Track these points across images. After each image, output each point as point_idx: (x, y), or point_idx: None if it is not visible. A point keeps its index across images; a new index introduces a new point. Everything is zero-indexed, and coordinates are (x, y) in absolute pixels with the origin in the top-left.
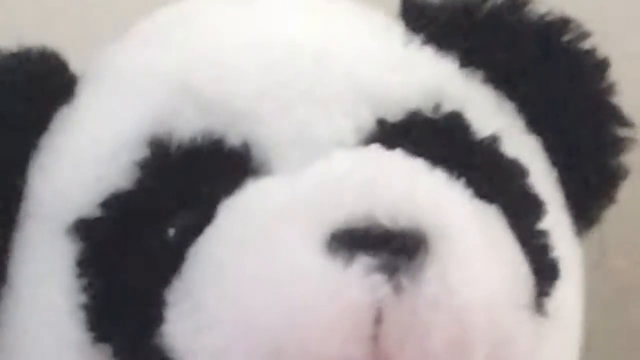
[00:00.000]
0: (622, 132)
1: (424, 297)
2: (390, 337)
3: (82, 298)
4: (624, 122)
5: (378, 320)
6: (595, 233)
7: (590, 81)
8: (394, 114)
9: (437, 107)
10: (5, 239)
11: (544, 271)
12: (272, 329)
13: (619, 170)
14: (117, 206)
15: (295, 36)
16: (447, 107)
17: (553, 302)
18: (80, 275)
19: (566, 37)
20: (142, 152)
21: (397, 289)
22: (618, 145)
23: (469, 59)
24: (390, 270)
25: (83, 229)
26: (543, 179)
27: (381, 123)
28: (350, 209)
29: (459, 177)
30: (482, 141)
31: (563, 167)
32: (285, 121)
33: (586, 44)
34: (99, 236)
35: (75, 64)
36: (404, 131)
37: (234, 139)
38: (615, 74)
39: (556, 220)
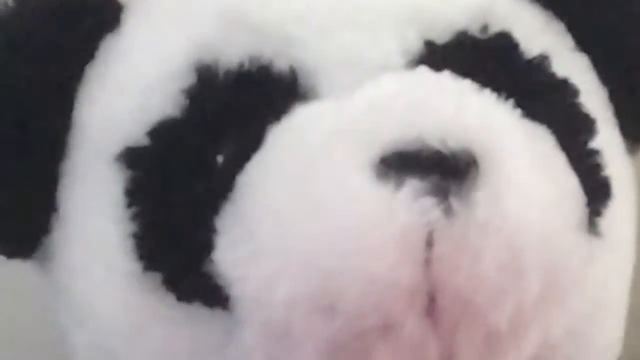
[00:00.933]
0: None
1: (475, 220)
2: (441, 260)
3: (131, 227)
4: None
5: (429, 243)
6: None
7: None
8: (442, 36)
9: (485, 28)
10: (55, 168)
11: (596, 191)
12: (323, 255)
13: None
14: (165, 134)
15: None
16: (495, 27)
17: (606, 221)
18: (129, 204)
19: None
20: (189, 79)
21: (448, 212)
22: None
23: None
24: (441, 193)
25: (131, 157)
26: (593, 98)
27: (428, 45)
28: (399, 132)
29: (508, 97)
30: (531, 61)
31: (613, 85)
32: (332, 45)
33: None
34: (147, 164)
35: None
36: (451, 52)
37: (281, 64)
38: None
39: (607, 139)
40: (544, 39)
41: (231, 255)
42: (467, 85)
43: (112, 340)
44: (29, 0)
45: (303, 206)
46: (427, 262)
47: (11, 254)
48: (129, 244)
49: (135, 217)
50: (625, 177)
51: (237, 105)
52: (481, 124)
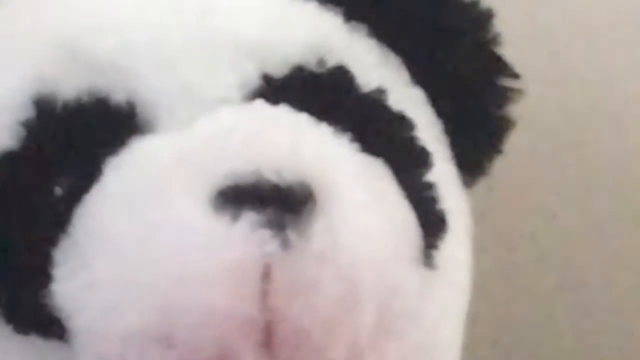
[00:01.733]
0: (507, 82)
1: (312, 253)
2: (278, 293)
3: None
4: (508, 72)
5: (266, 276)
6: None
7: (474, 32)
8: (279, 69)
9: (321, 62)
10: None
11: (432, 224)
12: (160, 288)
13: (504, 121)
14: (2, 166)
15: None
16: (332, 61)
17: (441, 254)
18: None
19: None
20: (27, 112)
21: (285, 244)
22: (503, 96)
23: (352, 13)
24: (277, 226)
25: None
26: (429, 131)
27: (266, 78)
28: (235, 165)
29: (344, 131)
30: (367, 94)
31: (449, 119)
32: (169, 78)
33: None
34: None
35: None
36: (288, 86)
37: (118, 97)
38: None
39: (443, 172)
40: (380, 72)
41: (67, 286)
42: (303, 119)
43: None
44: None
45: (138, 238)
46: (265, 294)
47: None
48: None
49: None
50: (461, 210)
51: (75, 138)
52: (317, 157)
